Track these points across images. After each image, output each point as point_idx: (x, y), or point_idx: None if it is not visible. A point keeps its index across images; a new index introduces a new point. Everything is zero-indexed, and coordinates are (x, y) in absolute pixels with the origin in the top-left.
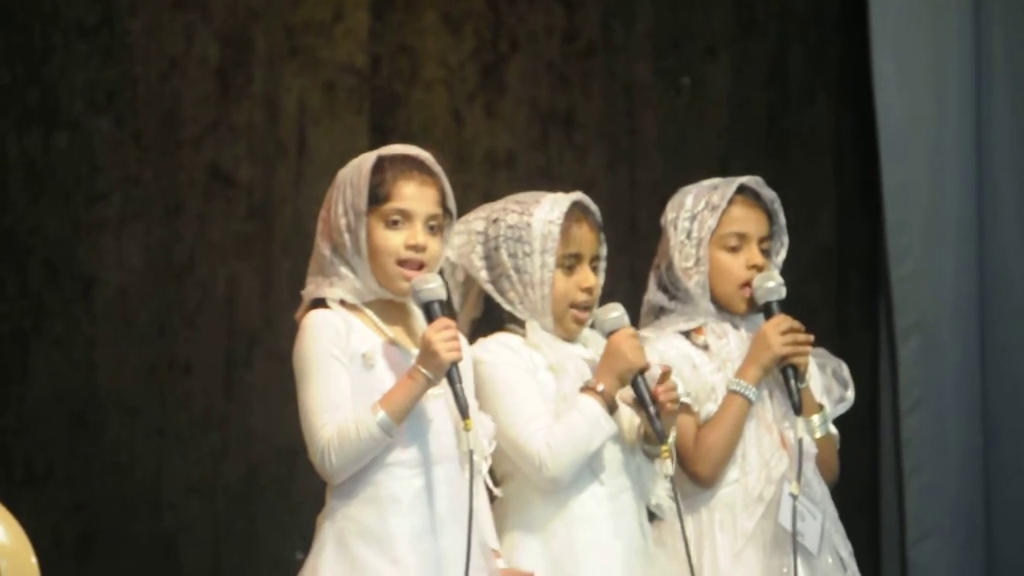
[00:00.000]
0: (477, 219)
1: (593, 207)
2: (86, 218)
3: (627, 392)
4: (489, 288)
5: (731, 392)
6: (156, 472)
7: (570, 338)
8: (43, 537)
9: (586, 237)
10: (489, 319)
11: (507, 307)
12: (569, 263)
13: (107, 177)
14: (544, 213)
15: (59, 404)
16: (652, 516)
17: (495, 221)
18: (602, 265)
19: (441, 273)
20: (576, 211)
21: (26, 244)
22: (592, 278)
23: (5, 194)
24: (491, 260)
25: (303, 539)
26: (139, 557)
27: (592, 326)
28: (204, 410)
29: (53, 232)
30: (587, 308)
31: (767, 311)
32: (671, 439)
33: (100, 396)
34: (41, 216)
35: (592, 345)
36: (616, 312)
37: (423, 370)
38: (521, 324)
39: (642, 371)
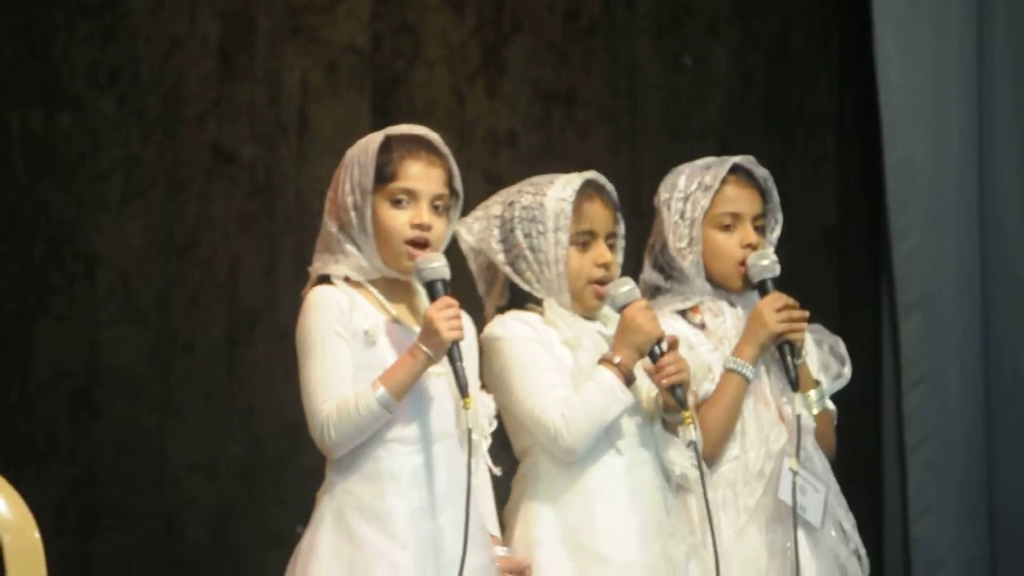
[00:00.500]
0: (495, 203)
1: (608, 185)
2: (89, 196)
3: (646, 362)
4: (507, 270)
5: (728, 371)
6: (159, 449)
7: (590, 315)
8: (46, 513)
9: (599, 214)
10: (513, 303)
11: (525, 287)
12: (583, 240)
13: (110, 156)
14: (557, 192)
15: (62, 381)
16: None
17: (511, 204)
18: (620, 243)
19: (448, 256)
20: (589, 189)
21: (29, 222)
22: (608, 254)
23: (8, 173)
24: (508, 242)
25: (305, 515)
26: (142, 533)
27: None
28: (207, 387)
29: (56, 211)
30: (606, 284)
31: (762, 289)
32: (691, 404)
33: (103, 373)
34: (44, 195)
35: (611, 324)
36: (627, 286)
37: (424, 348)
38: (540, 303)
39: (659, 341)
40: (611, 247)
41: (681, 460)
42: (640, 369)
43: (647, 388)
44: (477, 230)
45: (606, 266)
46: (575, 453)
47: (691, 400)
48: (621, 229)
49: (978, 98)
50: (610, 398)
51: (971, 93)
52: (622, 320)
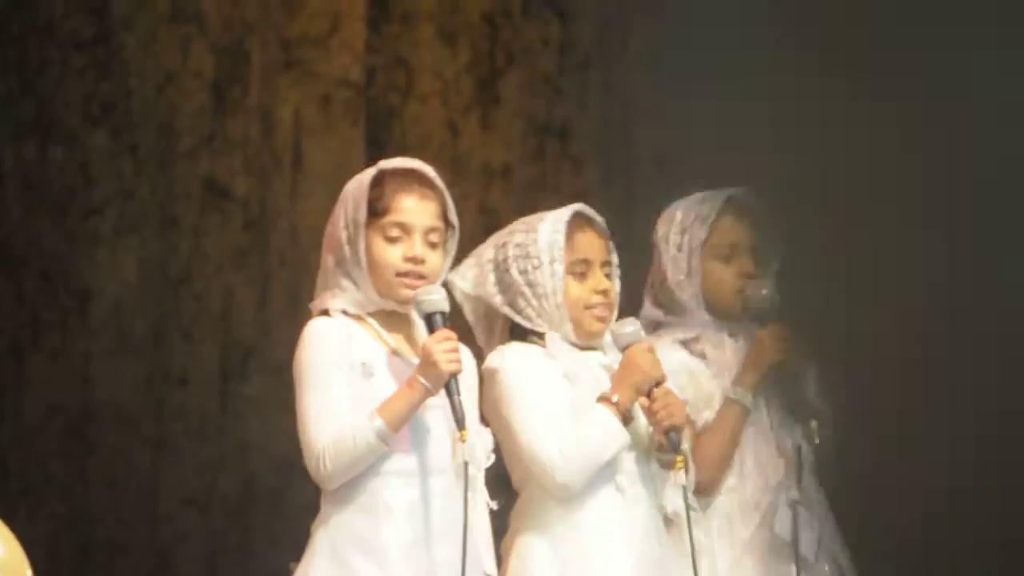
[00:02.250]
0: (486, 248)
1: (597, 216)
2: (82, 231)
3: (644, 401)
4: (507, 310)
5: (729, 400)
6: (152, 483)
7: (592, 341)
8: (39, 549)
9: (593, 243)
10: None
11: (526, 324)
12: (580, 270)
13: (103, 190)
14: (548, 226)
15: (55, 416)
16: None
17: (503, 245)
18: (615, 272)
19: (446, 287)
20: (579, 220)
21: (22, 257)
22: (605, 281)
23: (1, 206)
24: (504, 283)
25: (298, 550)
26: (135, 568)
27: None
28: (200, 422)
29: (49, 245)
30: (606, 311)
31: (761, 320)
32: (685, 448)
33: (96, 408)
34: (37, 229)
35: (611, 351)
36: (632, 327)
37: (422, 380)
38: (542, 337)
39: (658, 383)
40: (607, 276)
41: (674, 499)
42: (639, 407)
43: (646, 425)
44: (471, 277)
45: (604, 293)
46: (570, 490)
47: (687, 441)
48: (615, 258)
49: None
50: (607, 437)
51: None
52: (624, 359)
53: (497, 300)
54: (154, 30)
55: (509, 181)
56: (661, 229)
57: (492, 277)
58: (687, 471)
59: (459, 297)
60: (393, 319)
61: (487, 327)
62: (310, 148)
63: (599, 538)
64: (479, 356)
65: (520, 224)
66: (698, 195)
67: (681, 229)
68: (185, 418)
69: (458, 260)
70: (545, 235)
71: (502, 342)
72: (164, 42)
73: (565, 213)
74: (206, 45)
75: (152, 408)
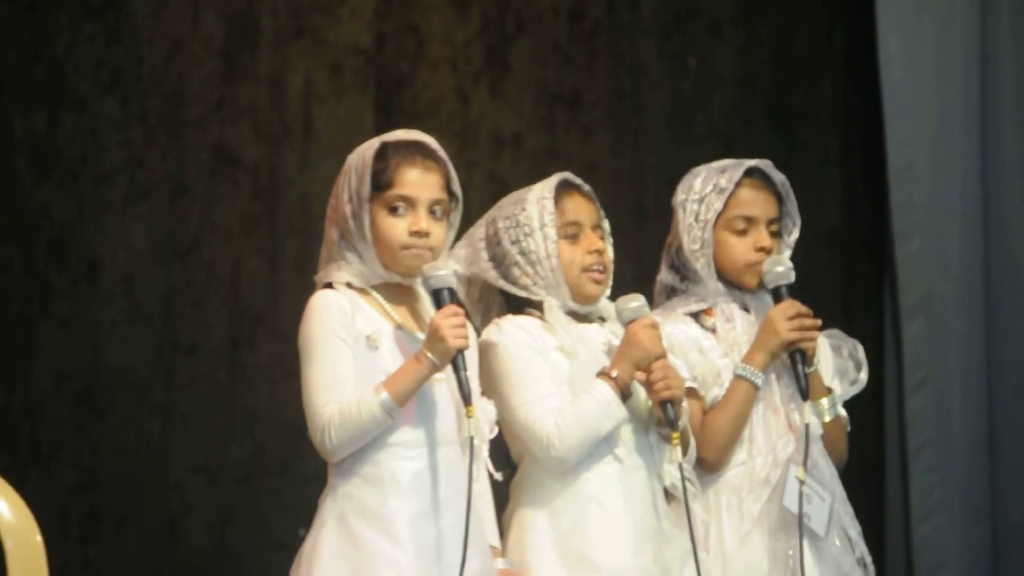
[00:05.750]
0: (477, 228)
1: (583, 184)
2: (92, 199)
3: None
4: (502, 283)
5: (738, 377)
6: (161, 452)
7: (590, 304)
8: (49, 516)
9: (582, 206)
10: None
11: (523, 293)
12: (572, 232)
13: (113, 157)
14: (535, 195)
15: (65, 384)
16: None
17: (492, 220)
18: (607, 236)
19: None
20: (566, 187)
21: (32, 225)
22: (599, 242)
23: (11, 174)
24: (497, 256)
25: (307, 519)
26: (144, 536)
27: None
28: (209, 390)
29: (59, 213)
30: (601, 271)
31: (776, 295)
32: (681, 424)
33: (106, 376)
34: (47, 197)
35: (611, 321)
36: (636, 302)
37: (429, 355)
38: (540, 308)
39: (659, 359)
40: (600, 238)
41: (673, 471)
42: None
43: (645, 397)
44: (464, 256)
45: (598, 252)
46: (566, 463)
47: (684, 416)
48: (606, 224)
49: (981, 101)
50: (604, 412)
51: (974, 96)
52: (626, 334)
53: (492, 275)
54: None
55: (519, 149)
56: (680, 195)
57: (485, 253)
58: (685, 447)
59: (448, 246)
60: (397, 292)
61: (484, 308)
62: (320, 116)
63: (598, 509)
64: (478, 329)
65: (507, 199)
66: (719, 164)
67: (699, 198)
68: (194, 386)
69: (463, 231)
70: (533, 203)
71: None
72: (174, 9)
73: (552, 180)
74: (216, 12)
75: (161, 376)
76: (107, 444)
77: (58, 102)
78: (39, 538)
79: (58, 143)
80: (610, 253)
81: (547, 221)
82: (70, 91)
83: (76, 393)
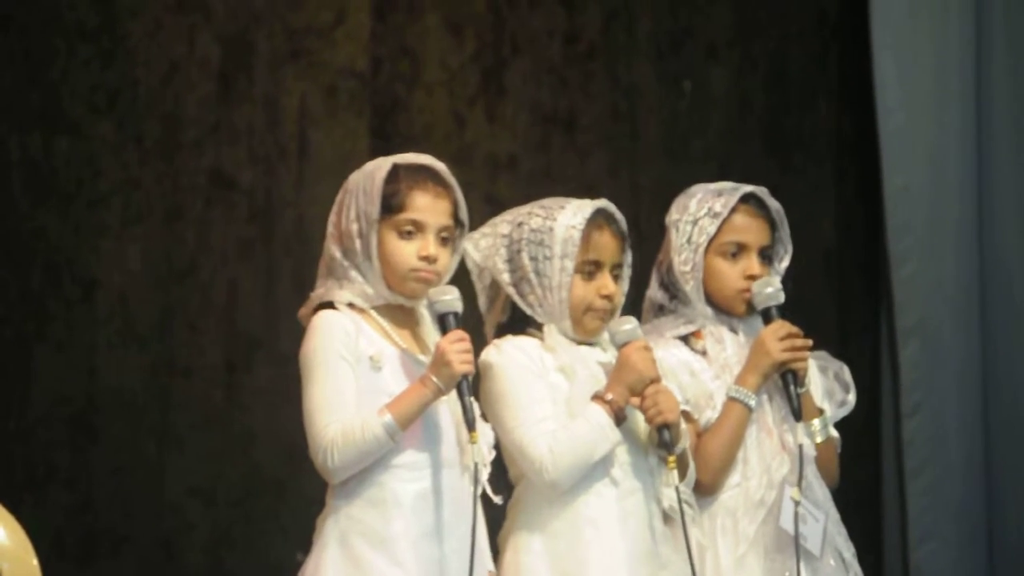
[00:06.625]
0: (503, 222)
1: (619, 215)
2: (87, 221)
3: (636, 400)
4: (511, 291)
5: (730, 399)
6: (157, 475)
7: (590, 338)
8: (44, 539)
9: (608, 244)
10: (513, 323)
11: (527, 310)
12: (589, 269)
13: (108, 180)
14: (567, 219)
15: (61, 407)
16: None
17: (519, 224)
18: (626, 273)
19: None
20: (599, 218)
21: (28, 248)
22: (611, 285)
23: (7, 197)
24: (513, 263)
25: (304, 542)
26: (140, 559)
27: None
28: (205, 413)
29: (55, 236)
30: (607, 312)
31: (766, 317)
32: (680, 448)
33: (101, 399)
34: (43, 219)
35: (610, 349)
36: (629, 324)
37: (435, 379)
38: (540, 328)
39: (653, 383)
40: (616, 278)
41: (671, 495)
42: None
43: (642, 419)
44: (483, 247)
45: (609, 297)
46: (559, 487)
47: (685, 439)
48: (628, 259)
49: (976, 123)
50: (598, 436)
51: (970, 118)
52: (619, 358)
53: (504, 278)
54: (159, 19)
55: (515, 171)
56: (674, 214)
57: (504, 253)
58: (684, 471)
59: (469, 264)
60: (398, 314)
61: (490, 298)
62: (315, 138)
63: (594, 531)
64: (479, 343)
65: (539, 208)
66: (716, 186)
67: (693, 220)
68: (190, 409)
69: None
70: (562, 229)
71: (502, 315)
72: (169, 32)
73: (588, 208)
74: (212, 35)
75: (157, 399)
76: (103, 467)
77: (53, 125)
78: (35, 561)
79: (54, 166)
80: (624, 288)
81: (569, 252)
82: (65, 114)
83: (72, 416)
